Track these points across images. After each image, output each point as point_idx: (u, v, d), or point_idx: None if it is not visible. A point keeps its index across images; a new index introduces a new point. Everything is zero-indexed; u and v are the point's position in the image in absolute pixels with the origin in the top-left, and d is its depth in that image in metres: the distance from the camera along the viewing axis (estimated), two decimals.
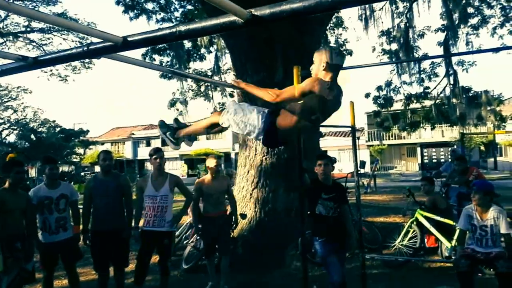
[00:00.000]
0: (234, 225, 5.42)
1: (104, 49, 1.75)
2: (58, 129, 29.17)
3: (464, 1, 12.14)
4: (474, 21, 13.38)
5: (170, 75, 14.14)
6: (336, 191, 4.27)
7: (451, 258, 5.33)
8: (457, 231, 5.00)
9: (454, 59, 13.54)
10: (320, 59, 2.81)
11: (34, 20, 16.37)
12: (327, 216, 4.12)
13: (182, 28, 1.59)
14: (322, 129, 10.62)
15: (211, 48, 13.62)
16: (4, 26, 17.53)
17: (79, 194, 5.19)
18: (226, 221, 5.22)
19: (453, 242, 5.43)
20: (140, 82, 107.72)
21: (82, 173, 31.95)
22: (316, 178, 4.31)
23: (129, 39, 1.68)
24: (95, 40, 1.74)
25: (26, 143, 25.73)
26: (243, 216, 6.23)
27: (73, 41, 18.00)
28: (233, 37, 7.00)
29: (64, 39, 18.35)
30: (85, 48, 1.79)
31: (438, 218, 5.84)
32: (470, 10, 13.03)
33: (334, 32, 14.22)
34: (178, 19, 12.65)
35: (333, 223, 4.14)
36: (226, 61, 13.97)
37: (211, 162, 5.07)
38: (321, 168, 4.22)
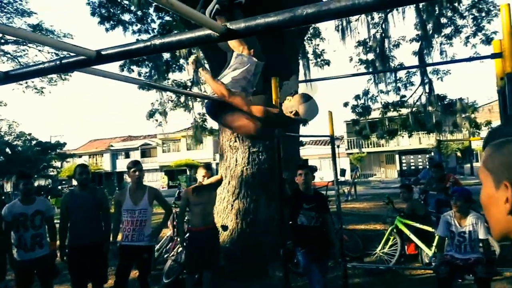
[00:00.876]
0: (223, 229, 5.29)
1: (78, 63, 1.71)
2: (34, 142, 28.53)
3: (437, 12, 12.47)
4: (447, 31, 13.76)
5: (147, 86, 14.04)
6: (317, 200, 4.29)
7: (431, 265, 5.39)
8: (436, 238, 5.07)
9: (429, 68, 13.86)
10: (294, 104, 2.81)
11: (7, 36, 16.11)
12: (309, 226, 4.12)
13: (157, 41, 1.57)
14: (302, 138, 10.70)
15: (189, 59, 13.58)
16: None
17: (56, 209, 5.05)
18: (215, 235, 5.03)
19: (433, 249, 5.50)
20: (118, 93, 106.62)
21: (59, 187, 31.26)
22: (297, 188, 4.32)
23: (103, 52, 1.65)
24: (68, 53, 1.70)
25: (1, 157, 25.07)
26: (224, 227, 6.16)
27: (48, 52, 17.71)
28: (211, 48, 7.00)
29: (39, 50, 18.05)
30: (58, 62, 1.75)
31: (417, 225, 5.91)
32: (443, 20, 13.39)
33: (311, 43, 14.39)
34: (155, 30, 12.60)
35: (315, 233, 4.15)
36: None
37: (202, 172, 5.02)
38: (302, 178, 4.24)
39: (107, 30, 11.75)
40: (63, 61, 1.74)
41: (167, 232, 6.89)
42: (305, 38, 11.75)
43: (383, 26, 13.18)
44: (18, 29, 1.48)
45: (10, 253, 4.27)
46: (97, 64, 1.74)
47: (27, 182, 4.43)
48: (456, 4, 12.72)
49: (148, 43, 1.58)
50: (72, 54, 1.70)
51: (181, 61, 13.82)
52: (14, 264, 4.27)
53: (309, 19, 1.21)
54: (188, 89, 14.16)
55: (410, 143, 32.33)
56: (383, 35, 13.35)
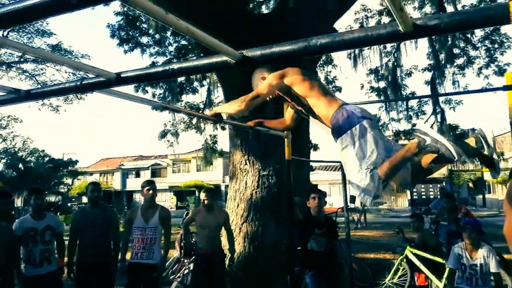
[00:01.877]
0: (230, 262, 5.27)
1: (98, 84, 1.78)
2: (47, 159, 28.88)
3: (450, 43, 12.56)
4: (460, 61, 13.80)
5: (161, 107, 14.23)
6: (328, 226, 4.27)
7: None
8: (447, 270, 4.97)
9: (441, 98, 13.86)
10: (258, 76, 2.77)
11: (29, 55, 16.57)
12: (319, 252, 4.10)
13: (175, 66, 1.63)
14: (312, 163, 10.69)
15: (203, 82, 13.80)
16: None
17: (65, 226, 5.09)
18: (221, 258, 5.02)
19: (443, 281, 5.39)
20: (131, 113, 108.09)
21: (69, 204, 31.44)
22: (308, 212, 4.31)
23: (122, 75, 1.71)
24: (88, 74, 1.77)
25: (14, 173, 25.37)
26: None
27: (66, 72, 18.14)
28: (225, 73, 7.12)
29: (57, 70, 18.49)
30: (79, 83, 1.81)
31: (428, 255, 5.81)
32: (456, 51, 13.46)
33: (323, 69, 14.54)
34: (172, 53, 12.86)
35: (325, 259, 4.12)
36: (218, 94, 14.15)
37: (201, 196, 5.05)
38: (316, 202, 4.22)
39: (125, 52, 12.05)
40: (83, 82, 1.81)
41: (174, 253, 6.87)
42: (318, 64, 11.89)
43: (395, 55, 13.28)
44: (42, 50, 1.55)
45: (19, 268, 4.29)
46: (116, 86, 1.81)
47: (39, 197, 4.50)
48: (469, 36, 12.81)
49: (167, 68, 1.64)
50: (92, 75, 1.77)
51: (195, 83, 14.03)
52: (21, 279, 4.29)
53: (323, 49, 1.26)
54: (200, 111, 14.33)
55: None
56: (395, 63, 13.44)
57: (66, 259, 4.62)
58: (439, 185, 29.01)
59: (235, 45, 1.45)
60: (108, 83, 1.75)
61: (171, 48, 12.96)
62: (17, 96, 1.95)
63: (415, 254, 5.94)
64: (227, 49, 1.41)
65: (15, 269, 4.24)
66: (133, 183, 41.41)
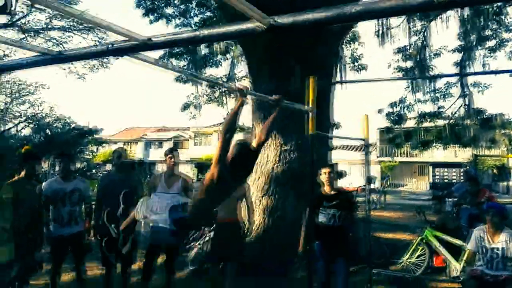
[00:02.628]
0: (247, 233, 5.35)
1: (127, 48, 1.80)
2: (72, 126, 29.46)
3: (482, 23, 12.09)
4: (491, 43, 13.29)
5: (185, 79, 14.27)
6: (340, 198, 4.30)
7: (459, 279, 5.27)
8: (467, 252, 4.94)
9: (470, 81, 13.44)
10: None
11: (63, 16, 16.71)
12: (328, 226, 4.17)
13: (205, 31, 1.64)
14: (333, 142, 10.61)
15: (226, 55, 13.73)
16: (26, 22, 17.86)
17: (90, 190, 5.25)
18: (240, 227, 5.06)
19: (462, 263, 5.37)
20: (155, 84, 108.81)
21: (94, 171, 32.19)
22: (320, 188, 4.38)
23: (153, 39, 1.72)
24: (118, 39, 1.79)
25: (41, 138, 26.01)
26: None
27: (92, 40, 18.26)
28: (250, 44, 7.06)
29: (83, 38, 18.62)
30: (110, 46, 1.84)
31: (447, 237, 5.79)
32: (488, 32, 12.96)
33: (350, 46, 14.23)
34: (196, 24, 12.78)
35: (334, 233, 4.19)
36: (241, 68, 14.09)
37: None
38: (326, 177, 4.29)
39: (151, 22, 12.04)
40: (114, 46, 1.83)
41: None
42: (344, 41, 11.66)
43: (425, 34, 12.87)
44: (77, 10, 1.57)
45: (47, 227, 4.47)
46: (146, 50, 1.83)
47: (67, 161, 4.65)
48: (502, 17, 12.28)
49: (197, 33, 1.65)
50: (123, 39, 1.78)
51: (218, 57, 13.97)
52: (49, 238, 4.47)
53: (357, 16, 1.24)
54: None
55: (445, 155, 31.39)
56: (424, 43, 13.05)
57: (92, 221, 4.78)
58: (462, 169, 28.48)
59: (266, 12, 1.44)
60: (138, 47, 1.77)
61: (196, 19, 12.88)
62: (49, 58, 1.99)
63: (434, 236, 5.92)
64: (258, 14, 1.40)
65: (44, 227, 4.43)
66: (155, 154, 41.97)
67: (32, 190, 4.25)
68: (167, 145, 42.19)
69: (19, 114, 28.48)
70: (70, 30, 18.62)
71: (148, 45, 1.71)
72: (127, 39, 1.73)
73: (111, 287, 4.67)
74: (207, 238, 6.02)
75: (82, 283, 4.70)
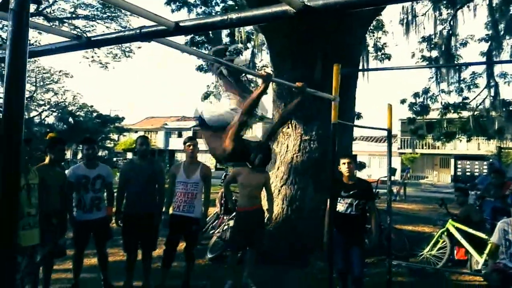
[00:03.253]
0: (268, 222, 5.37)
1: (156, 32, 1.80)
2: (95, 114, 29.97)
3: (511, 12, 11.72)
4: None
5: (206, 68, 14.32)
6: (359, 187, 4.32)
7: (481, 273, 5.19)
8: (490, 245, 4.85)
9: (496, 71, 13.10)
10: None
11: (86, 3, 16.86)
12: (345, 214, 4.22)
13: (234, 16, 1.62)
14: (354, 133, 10.45)
15: (248, 44, 13.68)
16: (51, 11, 18.15)
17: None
18: (261, 216, 5.07)
19: (484, 256, 5.28)
20: (175, 74, 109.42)
21: (115, 159, 32.75)
22: (338, 177, 4.39)
23: (181, 24, 1.72)
24: (147, 24, 1.79)
25: (64, 126, 26.56)
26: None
27: (115, 29, 18.45)
28: (273, 32, 7.01)
29: (107, 27, 18.84)
30: (138, 31, 1.84)
31: (470, 230, 5.69)
32: None
33: (373, 35, 14.01)
34: (218, 13, 12.77)
35: (350, 221, 4.25)
36: (262, 57, 14.04)
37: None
38: (346, 167, 4.35)
39: (172, 11, 12.09)
40: (143, 30, 1.83)
41: (214, 209, 7.08)
42: (368, 29, 11.47)
43: (451, 23, 12.56)
44: None
45: (71, 213, 4.57)
46: (174, 35, 1.82)
47: (91, 147, 4.73)
48: None
49: (225, 17, 1.63)
50: (151, 24, 1.79)
51: (240, 45, 13.93)
52: (73, 223, 4.58)
53: None
54: (243, 74, 14.29)
55: (468, 148, 30.77)
56: (450, 32, 12.74)
57: (114, 208, 4.87)
58: (485, 162, 27.87)
59: None
60: (167, 32, 1.76)
61: (217, 8, 12.86)
62: (79, 43, 2.01)
63: (456, 228, 5.83)
64: None
65: (68, 213, 4.53)
66: (176, 143, 42.37)
67: (58, 176, 4.35)
68: (187, 135, 42.58)
69: (43, 103, 29.11)
70: (94, 19, 18.86)
71: (176, 29, 1.71)
72: (156, 23, 1.73)
73: (132, 273, 4.75)
74: (226, 226, 6.06)
75: (104, 268, 4.80)
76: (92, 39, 2.04)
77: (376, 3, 1.24)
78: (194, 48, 13.64)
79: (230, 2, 12.84)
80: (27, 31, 1.08)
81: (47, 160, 4.34)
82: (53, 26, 17.70)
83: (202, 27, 1.76)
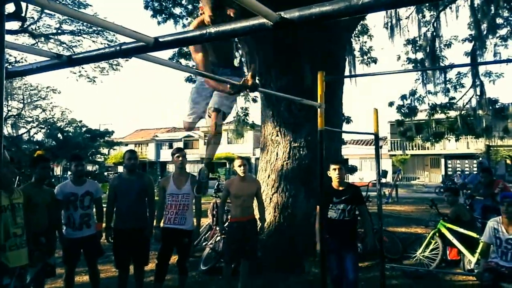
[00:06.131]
0: (260, 231, 5.35)
1: (136, 49, 1.80)
2: (84, 129, 29.77)
3: (492, 12, 11.91)
4: (503, 32, 13.11)
5: (194, 79, 14.32)
6: (349, 192, 4.32)
7: (474, 272, 5.22)
8: (481, 244, 4.89)
9: (481, 70, 13.27)
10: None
11: (71, 19, 16.80)
12: (337, 220, 4.21)
13: (212, 30, 1.62)
14: (344, 137, 10.51)
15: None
16: (36, 28, 18.06)
17: (102, 193, 5.28)
18: (254, 226, 5.08)
19: (476, 255, 5.31)
20: (164, 85, 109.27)
21: (106, 173, 32.51)
22: (329, 183, 4.38)
23: (160, 39, 1.72)
24: (127, 40, 1.79)
25: (53, 142, 26.34)
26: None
27: (101, 43, 18.40)
28: (259, 42, 7.04)
29: (93, 41, 18.79)
30: (118, 48, 1.84)
31: (461, 230, 5.73)
32: (499, 21, 12.77)
33: (359, 40, 14.13)
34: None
35: (342, 227, 4.25)
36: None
37: (236, 163, 5.07)
38: (337, 173, 4.31)
39: (159, 23, 12.09)
40: (122, 47, 1.83)
41: (206, 221, 7.04)
42: (353, 34, 11.58)
43: (435, 25, 12.73)
44: (85, 13, 1.58)
45: (60, 231, 4.52)
46: (154, 50, 1.82)
47: (79, 163, 4.68)
48: None
49: (204, 31, 1.64)
50: (131, 40, 1.79)
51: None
52: (63, 241, 4.52)
53: (366, 8, 1.22)
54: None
55: (457, 147, 31.09)
56: (434, 34, 12.90)
57: (104, 224, 4.82)
58: (475, 161, 28.14)
59: (273, 7, 1.43)
60: (146, 47, 1.76)
61: None
62: (59, 62, 2.00)
63: (448, 228, 5.86)
64: (264, 10, 1.39)
65: (57, 231, 4.47)
66: (167, 154, 42.19)
67: (45, 194, 4.30)
68: (178, 145, 42.45)
69: (31, 119, 28.88)
70: (80, 34, 18.80)
71: (155, 45, 1.71)
72: (135, 40, 1.73)
73: None
74: (218, 237, 6.03)
75: (96, 286, 4.74)
76: (73, 57, 2.03)
77: (350, 13, 1.25)
78: (183, 59, 13.67)
79: None
80: (3, 52, 1.07)
81: (33, 178, 4.29)
82: (39, 43, 17.66)
83: (181, 42, 1.76)
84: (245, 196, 4.94)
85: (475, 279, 5.14)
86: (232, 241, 4.98)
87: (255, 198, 5.15)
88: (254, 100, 14.67)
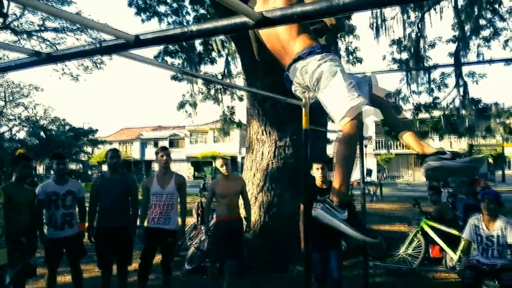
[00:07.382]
0: (247, 230, 5.33)
1: (117, 46, 1.77)
2: (67, 128, 29.39)
3: (476, 13, 12.09)
4: (486, 33, 13.33)
5: (181, 77, 14.23)
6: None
7: (456, 269, 5.30)
8: (462, 242, 4.96)
9: (465, 71, 13.48)
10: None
11: (51, 17, 16.56)
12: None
13: (194, 28, 1.61)
14: (329, 136, 10.58)
15: (222, 52, 13.67)
16: (19, 25, 17.76)
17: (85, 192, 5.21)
18: (240, 225, 5.05)
19: (458, 253, 5.39)
20: (150, 84, 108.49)
21: (90, 172, 32.17)
22: (312, 182, 4.40)
23: (141, 37, 1.70)
24: (108, 38, 1.77)
25: (36, 140, 25.96)
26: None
27: (85, 41, 18.18)
28: (244, 40, 7.03)
29: (77, 39, 18.58)
30: (98, 45, 1.81)
31: (444, 228, 5.81)
32: (482, 22, 12.98)
33: (344, 40, 14.22)
34: (190, 22, 12.72)
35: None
36: (237, 65, 14.04)
37: (217, 163, 5.04)
38: (320, 173, 4.36)
39: (143, 21, 11.98)
40: (103, 44, 1.81)
41: (191, 220, 7.01)
42: (338, 34, 11.63)
43: (419, 26, 12.88)
44: (64, 11, 1.55)
45: (41, 231, 4.45)
46: (135, 48, 1.80)
47: (61, 162, 4.61)
48: (496, 6, 12.30)
49: (186, 29, 1.62)
50: (111, 37, 1.76)
51: (214, 54, 13.92)
52: (44, 241, 4.45)
53: (347, 8, 1.22)
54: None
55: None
56: (418, 34, 13.06)
57: (86, 223, 4.76)
58: None
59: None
60: (127, 45, 1.74)
61: (189, 18, 12.81)
62: (38, 59, 1.96)
63: (430, 226, 5.94)
64: (246, 9, 1.38)
65: (38, 231, 4.40)
66: (152, 153, 41.95)
67: (26, 193, 4.23)
68: (163, 144, 42.20)
69: (13, 118, 28.37)
70: (63, 31, 18.55)
71: (136, 42, 1.69)
72: (115, 37, 1.71)
73: None
74: (203, 237, 6.00)
75: (79, 286, 4.67)
76: (52, 54, 1.99)
77: (332, 13, 1.25)
78: (168, 57, 13.55)
79: (202, 11, 12.81)
80: None
81: (13, 177, 4.21)
82: (21, 40, 17.36)
83: (163, 40, 1.73)
84: (231, 195, 4.92)
85: (457, 276, 5.22)
86: (217, 240, 4.96)
87: (240, 197, 5.14)
88: (241, 99, 14.65)
